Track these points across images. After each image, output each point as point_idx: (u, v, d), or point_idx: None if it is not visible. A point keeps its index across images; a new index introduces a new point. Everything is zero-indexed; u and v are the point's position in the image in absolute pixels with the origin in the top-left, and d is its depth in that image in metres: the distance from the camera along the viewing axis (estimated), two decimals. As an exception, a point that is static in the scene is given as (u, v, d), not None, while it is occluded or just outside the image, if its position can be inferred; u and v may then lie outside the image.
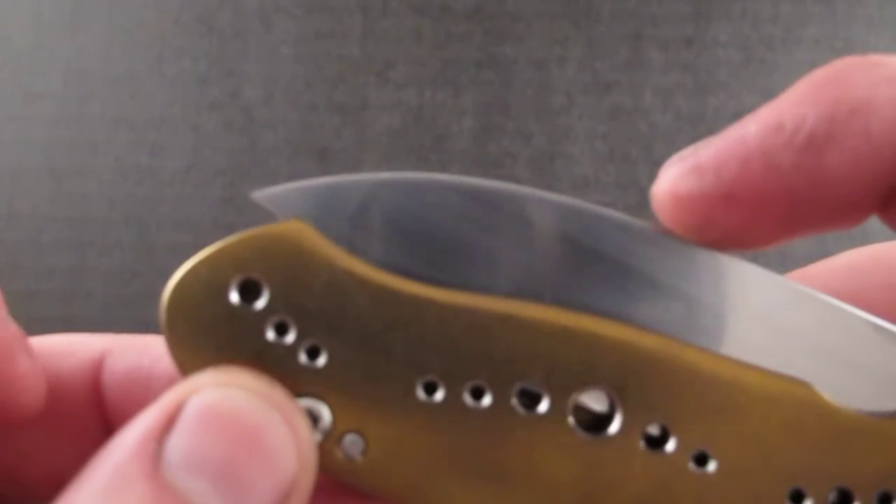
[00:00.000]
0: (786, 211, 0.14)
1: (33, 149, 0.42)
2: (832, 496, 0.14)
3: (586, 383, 0.14)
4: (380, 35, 0.43)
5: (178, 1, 0.43)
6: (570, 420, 0.15)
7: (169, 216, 0.41)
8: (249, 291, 0.14)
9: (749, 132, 0.14)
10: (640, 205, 0.38)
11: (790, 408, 0.14)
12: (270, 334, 0.14)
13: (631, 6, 0.43)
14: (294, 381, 0.14)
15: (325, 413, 0.14)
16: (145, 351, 0.17)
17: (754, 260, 0.14)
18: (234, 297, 0.14)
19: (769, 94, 0.14)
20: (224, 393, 0.13)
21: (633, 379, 0.14)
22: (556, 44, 0.42)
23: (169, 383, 0.16)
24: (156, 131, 0.42)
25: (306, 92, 0.42)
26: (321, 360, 0.14)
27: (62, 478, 0.17)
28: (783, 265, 0.15)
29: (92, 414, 0.17)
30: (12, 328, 0.15)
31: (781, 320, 0.14)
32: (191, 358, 0.14)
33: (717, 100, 0.41)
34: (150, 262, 0.40)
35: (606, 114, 0.41)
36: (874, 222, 0.15)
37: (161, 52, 0.43)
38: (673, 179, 0.14)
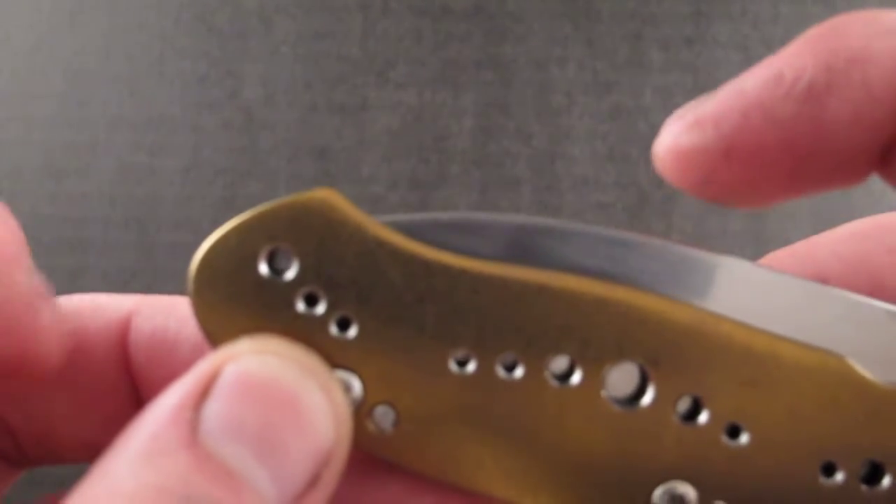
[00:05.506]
0: (786, 164, 0.14)
1: (33, 149, 0.42)
2: (864, 469, 0.14)
3: (620, 355, 0.14)
4: (380, 35, 0.43)
5: (178, 1, 0.43)
6: (604, 392, 0.14)
7: (169, 216, 0.41)
8: (279, 262, 0.14)
9: (748, 85, 0.14)
10: (640, 204, 0.38)
11: (824, 380, 0.14)
12: (300, 305, 0.14)
13: (631, 6, 0.43)
14: (324, 352, 0.14)
15: (356, 385, 0.14)
16: (172, 312, 0.17)
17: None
18: (264, 267, 0.14)
19: (769, 94, 0.14)
20: (261, 360, 0.13)
21: (666, 350, 0.14)
22: (556, 44, 0.42)
23: (195, 346, 0.16)
24: (156, 131, 0.42)
25: (306, 92, 0.42)
26: (352, 332, 0.14)
27: (91, 441, 0.17)
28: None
29: (119, 375, 0.17)
30: (36, 280, 0.15)
31: (791, 316, 0.14)
32: (219, 329, 0.14)
33: (717, 100, 0.41)
34: (150, 262, 0.40)
35: (606, 114, 0.41)
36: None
37: (161, 52, 0.43)
38: (674, 135, 0.14)
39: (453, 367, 0.14)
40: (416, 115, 0.42)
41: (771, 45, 0.41)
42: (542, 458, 0.15)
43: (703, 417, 0.14)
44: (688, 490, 0.15)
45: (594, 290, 0.14)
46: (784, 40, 0.14)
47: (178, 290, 0.17)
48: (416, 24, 0.43)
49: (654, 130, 0.45)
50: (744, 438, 0.14)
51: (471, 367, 0.14)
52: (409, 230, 0.14)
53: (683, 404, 0.14)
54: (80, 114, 0.42)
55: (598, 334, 0.14)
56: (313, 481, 0.13)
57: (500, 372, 0.14)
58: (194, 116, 0.42)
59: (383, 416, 0.15)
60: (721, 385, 0.14)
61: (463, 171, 0.41)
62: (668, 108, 0.41)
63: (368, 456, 0.15)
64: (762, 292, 0.14)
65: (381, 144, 0.41)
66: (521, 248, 0.14)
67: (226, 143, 0.42)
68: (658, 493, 0.15)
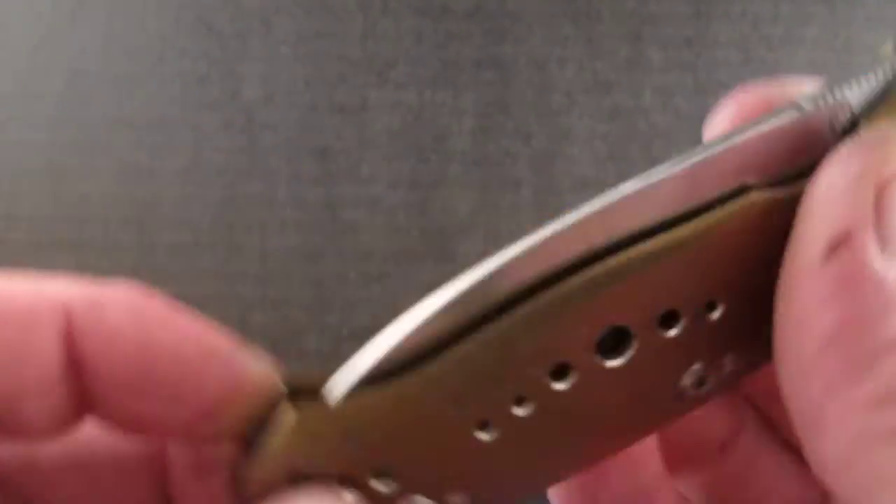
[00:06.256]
0: None
1: (34, 149, 0.42)
2: None
3: (601, 325, 0.14)
4: (380, 35, 0.43)
5: (178, 1, 0.43)
6: (595, 360, 0.14)
7: (169, 216, 0.41)
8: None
9: None
10: (640, 205, 0.38)
11: (750, 219, 0.14)
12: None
13: (631, 6, 0.43)
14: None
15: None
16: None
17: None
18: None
19: (769, 94, 0.14)
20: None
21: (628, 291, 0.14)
22: (556, 44, 0.42)
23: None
24: (156, 131, 0.42)
25: (306, 92, 0.42)
26: (390, 485, 0.14)
27: None
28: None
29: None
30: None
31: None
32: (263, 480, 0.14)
33: (716, 100, 0.41)
34: (150, 262, 0.40)
35: (606, 114, 0.41)
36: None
37: (161, 53, 0.43)
38: None
39: (479, 435, 0.14)
40: (416, 115, 0.42)
41: (771, 45, 0.42)
42: (566, 443, 0.15)
43: (683, 321, 0.15)
44: (697, 367, 0.15)
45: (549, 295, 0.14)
46: (784, 40, 0.14)
47: (178, 291, 0.17)
48: (416, 24, 0.43)
49: (654, 130, 0.45)
50: (717, 312, 0.15)
51: (493, 433, 0.14)
52: (371, 378, 0.14)
53: (663, 317, 0.15)
54: (80, 114, 0.42)
55: (564, 329, 0.14)
56: None
57: (518, 412, 0.14)
58: (194, 116, 0.42)
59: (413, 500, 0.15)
60: (681, 284, 0.14)
61: (463, 171, 0.41)
62: (668, 108, 0.42)
63: None
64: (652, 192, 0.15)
65: (381, 144, 0.41)
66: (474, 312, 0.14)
67: (226, 143, 0.42)
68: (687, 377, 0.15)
